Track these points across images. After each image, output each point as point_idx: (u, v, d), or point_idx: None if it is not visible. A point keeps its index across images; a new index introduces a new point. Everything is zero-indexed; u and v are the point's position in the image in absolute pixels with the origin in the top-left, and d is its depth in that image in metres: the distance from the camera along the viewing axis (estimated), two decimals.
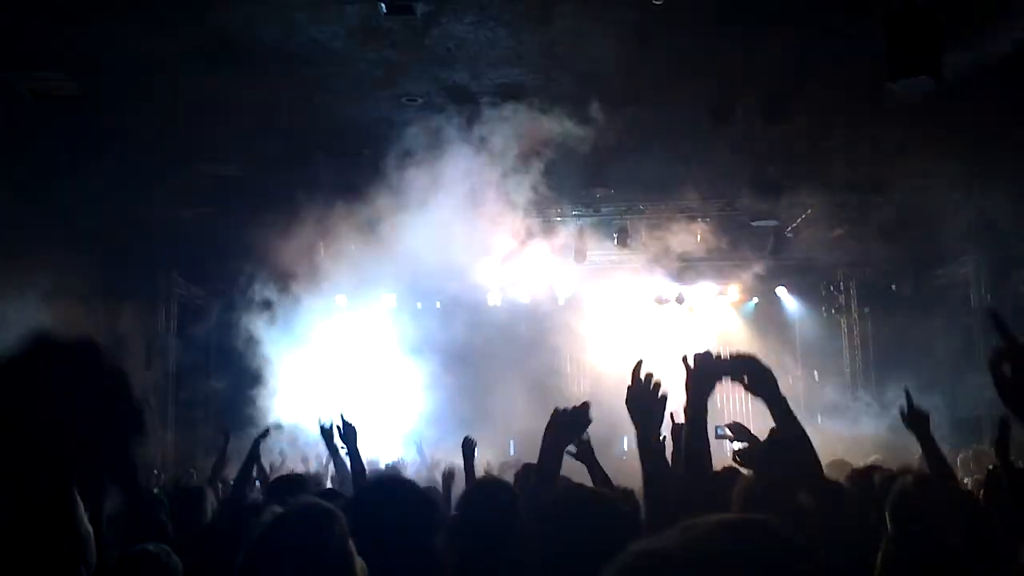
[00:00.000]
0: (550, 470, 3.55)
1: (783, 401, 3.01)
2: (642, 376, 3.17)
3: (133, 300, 16.50)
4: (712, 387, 3.08)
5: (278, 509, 2.43)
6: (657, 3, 7.56)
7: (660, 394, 3.17)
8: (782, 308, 19.21)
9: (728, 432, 4.98)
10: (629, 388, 3.17)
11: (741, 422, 4.92)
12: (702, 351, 3.10)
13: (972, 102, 9.94)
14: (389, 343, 18.85)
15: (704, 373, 3.06)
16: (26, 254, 13.34)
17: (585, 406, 3.65)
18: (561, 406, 3.65)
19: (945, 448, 10.97)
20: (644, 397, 3.16)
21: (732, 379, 3.05)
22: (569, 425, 3.62)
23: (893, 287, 18.27)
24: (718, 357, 3.08)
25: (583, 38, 8.48)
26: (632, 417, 3.16)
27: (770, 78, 9.49)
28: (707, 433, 3.26)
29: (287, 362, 17.98)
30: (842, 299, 18.77)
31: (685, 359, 3.07)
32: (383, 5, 7.61)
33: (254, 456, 6.39)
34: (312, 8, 7.74)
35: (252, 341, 17.55)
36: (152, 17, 7.83)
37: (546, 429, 3.57)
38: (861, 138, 11.24)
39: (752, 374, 3.02)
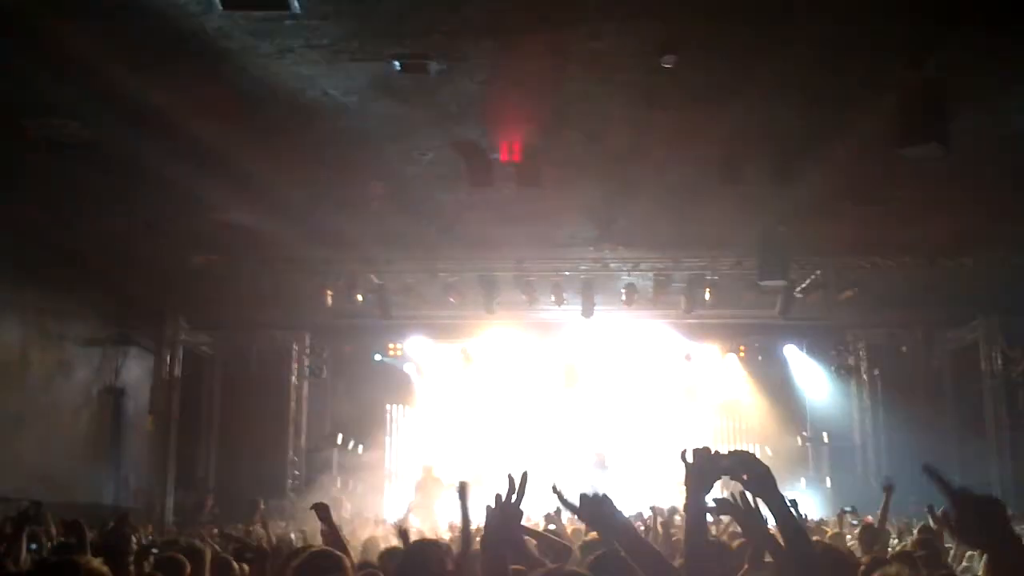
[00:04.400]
0: None
1: (782, 501, 2.98)
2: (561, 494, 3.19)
3: (139, 345, 16.55)
4: (711, 485, 3.08)
5: None
6: (666, 66, 7.62)
7: (604, 498, 3.15)
8: (790, 368, 19.08)
9: (713, 506, 4.96)
10: (579, 509, 3.17)
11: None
12: (700, 448, 3.10)
13: (984, 168, 9.97)
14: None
15: (703, 471, 3.05)
16: (35, 298, 13.42)
17: (511, 499, 3.30)
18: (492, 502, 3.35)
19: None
20: (596, 510, 3.15)
21: (731, 477, 3.04)
22: (502, 524, 3.31)
23: (903, 349, 18.16)
24: (716, 454, 3.08)
25: (593, 99, 8.55)
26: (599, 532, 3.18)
27: (779, 140, 9.52)
28: (707, 531, 3.24)
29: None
30: (851, 360, 18.62)
31: (684, 455, 3.08)
32: (397, 64, 7.70)
33: None
34: (326, 65, 7.83)
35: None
36: (167, 70, 7.92)
37: (483, 539, 3.29)
38: (871, 202, 11.23)
39: (751, 473, 3.00)
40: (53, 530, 7.72)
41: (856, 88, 8.27)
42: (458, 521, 7.07)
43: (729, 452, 3.04)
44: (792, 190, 10.40)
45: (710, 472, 3.01)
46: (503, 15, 7.05)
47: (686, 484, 3.02)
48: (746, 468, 2.97)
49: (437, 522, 12.29)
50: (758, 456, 3.04)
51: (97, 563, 3.75)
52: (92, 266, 13.58)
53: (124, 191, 10.82)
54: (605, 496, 3.15)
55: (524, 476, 3.40)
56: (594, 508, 3.10)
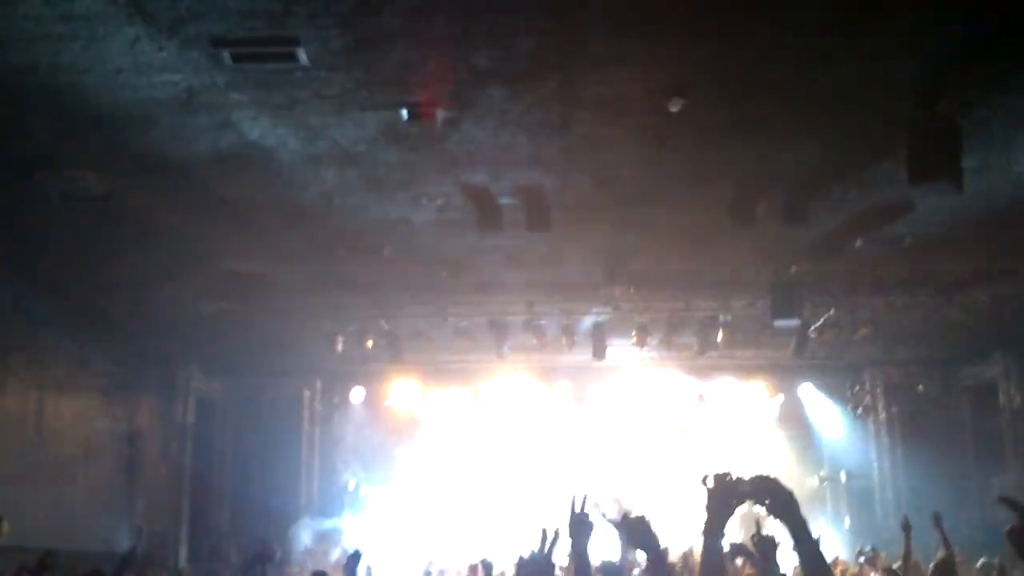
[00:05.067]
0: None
1: (804, 526, 2.94)
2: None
3: (152, 394, 16.57)
4: (731, 511, 3.04)
5: None
6: (673, 110, 7.63)
7: (643, 518, 3.14)
8: (806, 408, 18.91)
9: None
10: (619, 525, 3.16)
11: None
12: (721, 472, 3.06)
13: (998, 204, 9.92)
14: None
15: (723, 496, 3.01)
16: (49, 348, 13.47)
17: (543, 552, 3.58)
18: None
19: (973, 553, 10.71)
20: (636, 527, 3.14)
21: (753, 502, 3.01)
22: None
23: (920, 387, 17.99)
24: (738, 480, 3.04)
25: (601, 143, 8.56)
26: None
27: (790, 180, 9.50)
28: (722, 556, 3.21)
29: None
30: (868, 399, 18.47)
31: (705, 480, 3.04)
32: (404, 112, 7.73)
33: None
34: (335, 115, 7.87)
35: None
36: (179, 122, 7.99)
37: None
38: (885, 240, 11.19)
39: (774, 498, 2.96)
40: None
41: (868, 126, 8.25)
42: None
43: (751, 477, 3.00)
44: (805, 229, 10.36)
45: (731, 496, 2.97)
46: (511, 62, 7.08)
47: (707, 508, 2.99)
48: (768, 493, 2.93)
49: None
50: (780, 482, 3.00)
51: None
52: (105, 315, 13.65)
53: (137, 241, 10.87)
54: (644, 517, 3.11)
55: (556, 533, 3.45)
56: (633, 526, 3.07)
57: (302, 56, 6.80)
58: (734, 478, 3.08)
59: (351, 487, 18.22)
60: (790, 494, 3.00)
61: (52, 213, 9.92)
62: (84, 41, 6.61)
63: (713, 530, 3.04)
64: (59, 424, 13.86)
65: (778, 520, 2.99)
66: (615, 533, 4.39)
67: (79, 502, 14.02)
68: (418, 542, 16.45)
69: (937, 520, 7.86)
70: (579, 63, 7.16)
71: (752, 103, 7.85)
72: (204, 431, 17.66)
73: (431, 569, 14.30)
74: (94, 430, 14.97)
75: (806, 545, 2.97)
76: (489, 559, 8.95)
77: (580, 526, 3.44)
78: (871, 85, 7.53)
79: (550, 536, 3.63)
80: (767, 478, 3.06)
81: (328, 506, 18.21)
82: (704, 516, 3.07)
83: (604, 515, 3.85)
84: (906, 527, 7.85)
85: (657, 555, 3.18)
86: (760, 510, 3.04)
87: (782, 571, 8.08)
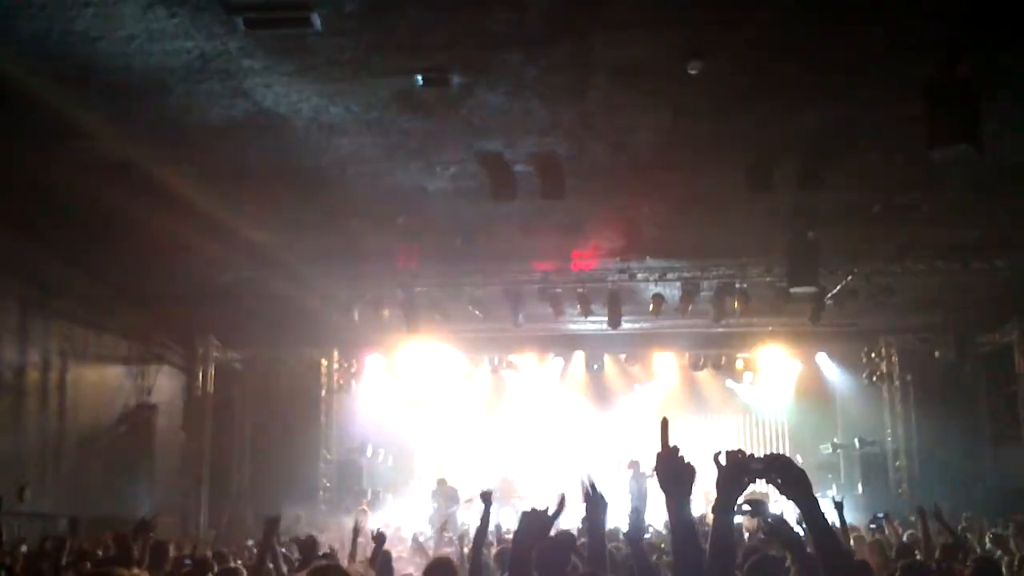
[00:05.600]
0: None
1: (816, 505, 2.95)
2: (669, 442, 3.12)
3: (171, 363, 16.72)
4: (743, 488, 3.05)
5: None
6: (692, 72, 7.54)
7: (687, 461, 3.09)
8: (822, 374, 18.89)
9: (747, 508, 5.01)
10: (658, 453, 3.09)
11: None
12: (733, 450, 3.06)
13: (1016, 169, 9.81)
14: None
15: (735, 473, 3.01)
16: (71, 320, 13.58)
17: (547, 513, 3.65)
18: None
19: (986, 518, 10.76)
20: (672, 463, 3.09)
21: (765, 480, 3.01)
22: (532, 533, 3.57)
23: (936, 354, 17.92)
24: (751, 457, 3.04)
25: (618, 108, 8.49)
26: (661, 485, 3.06)
27: (808, 146, 9.42)
28: (734, 533, 3.21)
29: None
30: (883, 366, 18.41)
31: (717, 457, 3.05)
32: (419, 78, 7.69)
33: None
34: (349, 81, 7.83)
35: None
36: (195, 90, 7.98)
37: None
38: (902, 205, 11.10)
39: (785, 476, 2.97)
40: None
41: (886, 90, 8.15)
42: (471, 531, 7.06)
43: (763, 456, 3.01)
44: (821, 195, 10.28)
45: (742, 474, 2.98)
46: (525, 26, 7.01)
47: (718, 486, 2.99)
48: (780, 471, 2.94)
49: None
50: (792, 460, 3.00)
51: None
52: (125, 286, 13.75)
53: (153, 210, 10.88)
54: (685, 458, 3.06)
55: (563, 498, 3.50)
56: (670, 457, 3.04)
57: (316, 21, 6.75)
58: (746, 455, 3.07)
59: (368, 454, 18.35)
60: (802, 473, 3.00)
61: (69, 182, 9.95)
62: (97, 7, 6.60)
63: (725, 507, 3.04)
64: (80, 393, 14.00)
65: (789, 500, 2.99)
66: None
67: (100, 470, 14.20)
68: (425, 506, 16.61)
69: (937, 513, 8.02)
70: (595, 26, 7.09)
71: (770, 66, 7.77)
72: (223, 399, 17.81)
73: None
74: (115, 400, 15.12)
75: (818, 525, 2.98)
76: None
77: (596, 506, 3.44)
78: (889, 48, 7.43)
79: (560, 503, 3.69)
80: (779, 456, 3.06)
81: (346, 474, 18.36)
82: (715, 493, 3.07)
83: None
84: (922, 513, 7.96)
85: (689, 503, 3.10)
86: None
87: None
